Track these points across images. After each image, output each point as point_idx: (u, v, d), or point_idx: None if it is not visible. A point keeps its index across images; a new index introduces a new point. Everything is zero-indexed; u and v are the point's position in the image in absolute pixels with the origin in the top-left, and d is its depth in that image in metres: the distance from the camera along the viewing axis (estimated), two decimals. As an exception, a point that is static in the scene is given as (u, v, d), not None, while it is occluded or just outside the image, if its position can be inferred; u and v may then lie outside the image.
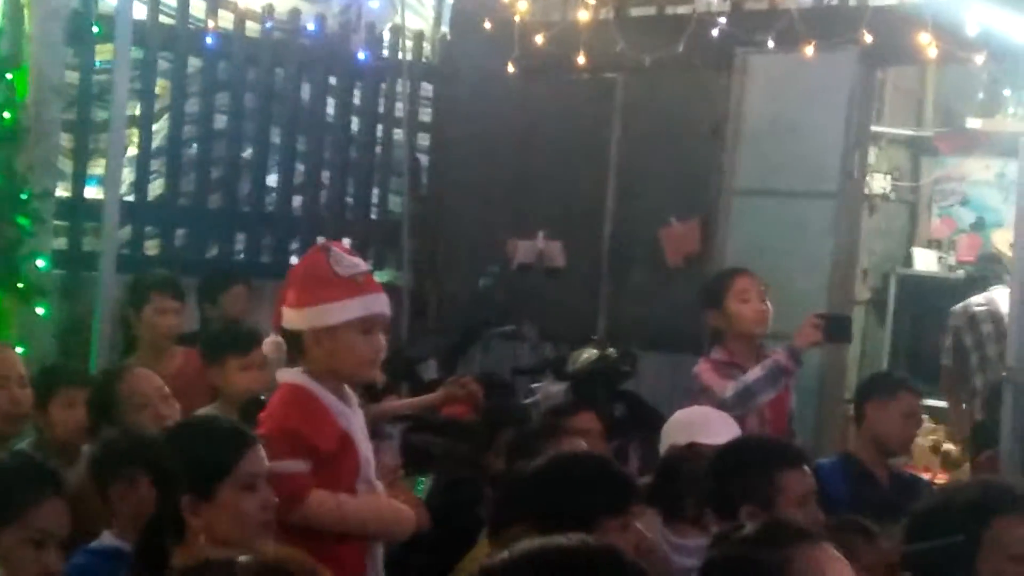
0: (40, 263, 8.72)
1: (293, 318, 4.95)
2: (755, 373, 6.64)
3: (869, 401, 6.78)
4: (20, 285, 8.52)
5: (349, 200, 11.00)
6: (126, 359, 7.27)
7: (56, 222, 8.96)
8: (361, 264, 5.05)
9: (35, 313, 8.61)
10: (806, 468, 4.67)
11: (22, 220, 8.55)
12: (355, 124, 11.00)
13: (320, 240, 7.02)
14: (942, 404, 9.65)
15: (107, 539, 4.53)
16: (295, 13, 10.43)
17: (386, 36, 11.13)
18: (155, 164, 9.81)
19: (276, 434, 4.76)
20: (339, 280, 4.90)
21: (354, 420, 4.97)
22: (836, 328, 7.07)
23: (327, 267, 4.93)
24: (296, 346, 4.95)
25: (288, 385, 4.96)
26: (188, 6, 9.86)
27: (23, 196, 8.56)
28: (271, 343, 5.12)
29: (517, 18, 9.83)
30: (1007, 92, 11.04)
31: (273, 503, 4.16)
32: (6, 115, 8.54)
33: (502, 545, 2.89)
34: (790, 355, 6.65)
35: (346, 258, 4.97)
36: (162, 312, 7.31)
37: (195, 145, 10.10)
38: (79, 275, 8.94)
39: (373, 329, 4.93)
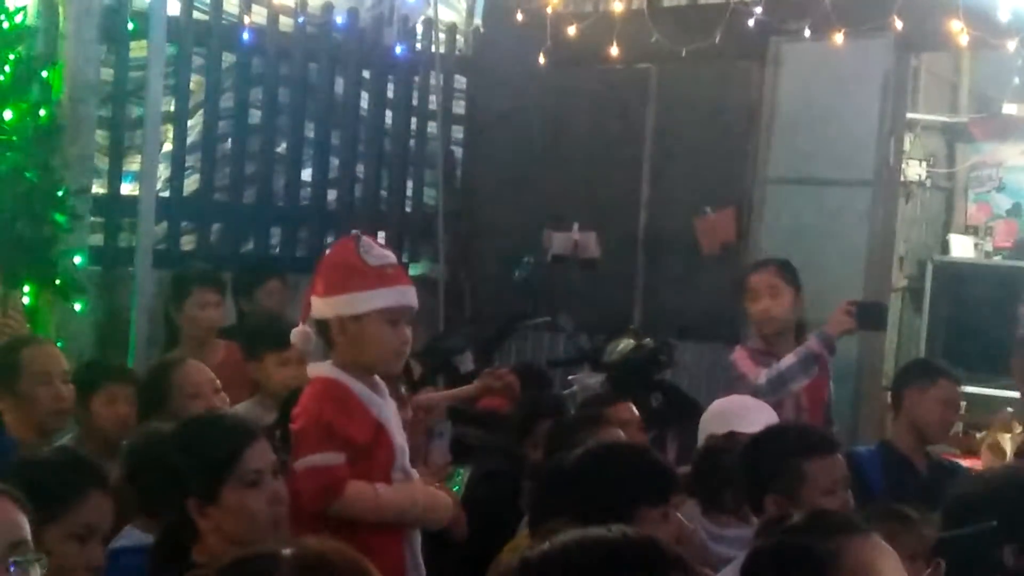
0: (77, 260, 8.74)
1: (321, 307, 4.96)
2: (788, 360, 6.68)
3: (907, 388, 6.79)
4: (57, 282, 8.54)
5: (384, 193, 11.03)
6: (168, 353, 7.27)
7: (92, 219, 8.99)
8: (391, 256, 5.05)
9: (72, 309, 8.63)
10: (837, 456, 4.64)
11: (59, 217, 8.57)
12: (389, 117, 11.02)
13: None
14: (981, 391, 9.56)
15: (139, 536, 4.55)
16: (328, 8, 10.44)
17: (419, 29, 11.14)
18: (190, 160, 9.85)
19: (310, 428, 4.79)
20: (368, 269, 4.90)
21: (387, 409, 4.96)
22: (869, 315, 7.07)
23: (356, 256, 4.92)
24: (325, 335, 4.95)
25: (320, 379, 4.96)
26: (222, 2, 9.88)
27: (59, 193, 8.58)
28: (299, 332, 5.08)
29: (549, 10, 9.86)
30: (1045, 78, 11.03)
31: (283, 496, 4.20)
32: (42, 113, 8.57)
33: (542, 537, 2.85)
34: (822, 342, 6.71)
35: (376, 248, 4.99)
36: (203, 306, 7.34)
37: (230, 140, 10.14)
38: (115, 271, 8.99)
39: (400, 320, 4.93)
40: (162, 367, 6.10)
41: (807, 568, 3.17)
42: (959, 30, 8.47)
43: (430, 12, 10.99)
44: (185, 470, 4.17)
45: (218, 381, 5.84)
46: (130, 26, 9.06)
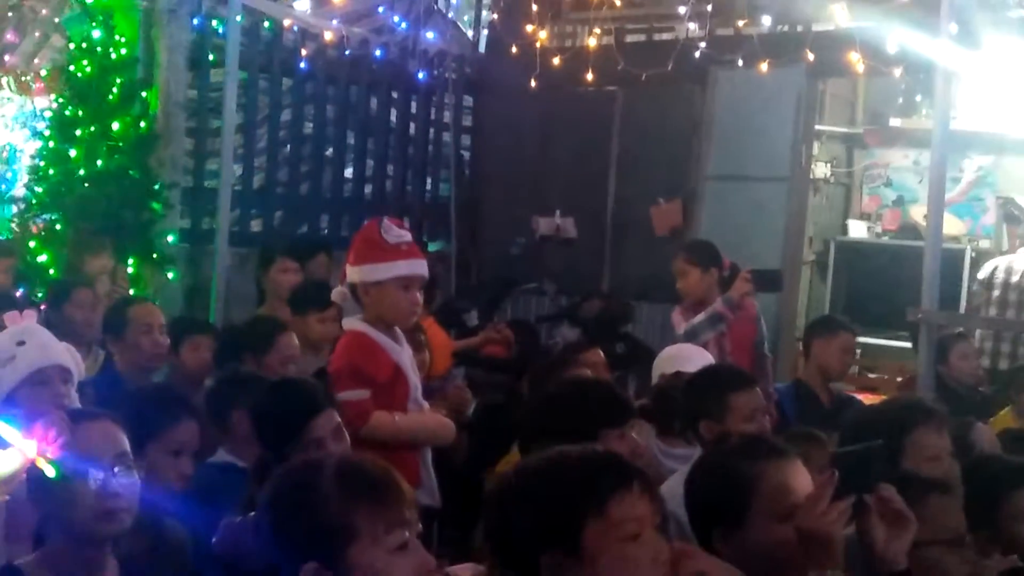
0: (170, 239, 8.74)
1: (351, 273, 4.99)
2: (699, 317, 6.64)
3: (815, 339, 6.82)
4: (155, 256, 8.56)
5: (408, 187, 10.96)
6: (259, 309, 7.32)
7: (181, 207, 8.93)
8: (406, 235, 5.04)
9: (166, 278, 8.64)
10: (755, 390, 4.58)
11: (155, 206, 8.59)
12: (412, 128, 10.95)
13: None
14: (872, 341, 9.59)
15: (222, 455, 4.52)
16: (365, 42, 10.36)
17: (435, 60, 11.02)
18: (257, 161, 9.79)
19: (342, 371, 4.86)
20: (387, 245, 4.93)
21: (404, 355, 5.00)
22: (765, 281, 7.00)
23: (378, 235, 4.95)
24: (355, 296, 5.00)
25: (350, 331, 5.01)
26: (281, 37, 9.81)
27: (156, 187, 8.60)
28: (337, 292, 5.14)
29: (538, 44, 9.83)
30: (919, 97, 11.00)
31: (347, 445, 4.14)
32: (142, 124, 8.57)
33: (529, 453, 2.86)
34: (726, 304, 6.63)
35: (395, 229, 4.99)
36: (283, 271, 7.30)
37: (288, 146, 10.05)
38: (199, 248, 8.94)
39: (411, 287, 4.95)
40: (270, 323, 6.06)
41: (736, 482, 3.17)
42: (856, 60, 8.48)
43: (444, 46, 10.96)
44: (265, 431, 4.17)
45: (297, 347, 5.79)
46: (211, 57, 9.02)
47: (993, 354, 9.27)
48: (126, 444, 3.20)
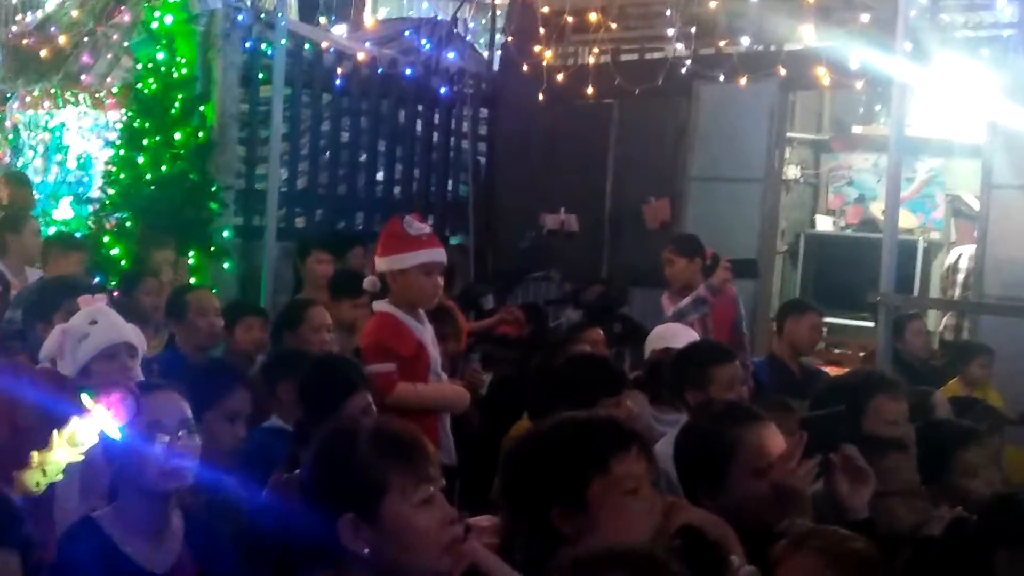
0: (225, 234, 8.80)
1: (380, 263, 5.04)
2: (685, 301, 6.61)
3: (786, 318, 6.84)
4: (212, 249, 8.61)
5: (432, 188, 10.91)
6: (295, 294, 7.31)
7: (235, 206, 8.95)
8: (426, 228, 5.09)
9: (222, 267, 8.70)
10: (734, 362, 4.61)
11: (212, 205, 8.64)
12: (435, 137, 10.90)
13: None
14: (836, 320, 9.57)
15: (272, 421, 4.55)
16: (394, 62, 10.33)
17: (455, 77, 10.99)
18: (301, 166, 9.77)
19: (372, 347, 4.90)
20: (409, 237, 4.96)
21: (426, 333, 5.03)
22: (743, 268, 7.00)
23: (401, 228, 4.99)
24: (384, 282, 5.03)
25: (379, 313, 5.03)
26: (321, 57, 9.78)
27: (213, 189, 8.65)
28: (369, 280, 5.16)
29: (545, 63, 9.78)
30: (878, 107, 10.98)
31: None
32: (200, 135, 8.60)
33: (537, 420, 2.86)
34: (708, 289, 6.60)
35: (415, 223, 5.04)
36: (318, 262, 7.31)
37: (327, 152, 10.03)
38: (251, 242, 8.95)
39: (432, 272, 4.98)
40: (298, 302, 6.09)
41: (718, 443, 3.18)
42: (823, 75, 8.45)
43: (463, 65, 10.93)
44: (308, 403, 4.19)
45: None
46: (260, 75, 9.03)
47: (951, 328, 9.36)
48: (188, 411, 3.20)
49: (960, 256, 9.61)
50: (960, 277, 9.48)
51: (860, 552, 2.42)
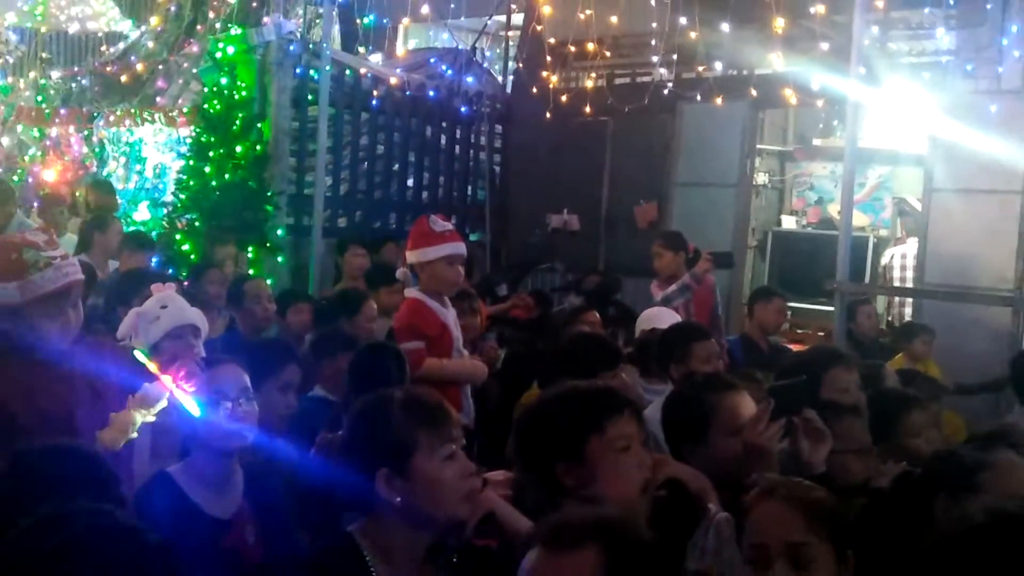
0: (279, 232, 8.77)
1: (410, 256, 5.06)
2: (672, 288, 6.63)
3: (756, 303, 6.83)
4: (267, 245, 8.59)
5: (454, 193, 10.89)
6: (336, 284, 7.36)
7: (287, 208, 8.94)
8: (449, 225, 5.08)
9: (276, 261, 8.66)
10: (711, 340, 4.58)
11: (268, 208, 8.63)
12: (457, 150, 10.88)
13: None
14: (798, 305, 9.55)
15: (318, 391, 4.54)
16: (421, 85, 10.33)
17: (474, 99, 10.99)
18: (343, 174, 9.75)
19: (404, 328, 4.91)
20: (434, 233, 4.97)
21: (449, 316, 5.04)
22: (721, 260, 7.03)
23: (427, 226, 5.01)
24: (413, 273, 5.11)
25: (410, 299, 5.05)
26: (360, 82, 9.75)
27: (268, 194, 8.63)
28: (401, 272, 5.19)
29: (551, 86, 9.78)
30: (835, 123, 10.93)
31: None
32: (257, 148, 8.59)
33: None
34: (692, 277, 6.63)
35: (439, 221, 5.06)
36: (354, 256, 7.36)
37: (365, 163, 10.02)
38: (301, 239, 8.93)
39: (454, 263, 4.99)
40: (357, 295, 6.02)
41: (698, 408, 3.18)
42: (788, 95, 8.43)
43: (480, 88, 10.92)
44: (356, 381, 4.18)
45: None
46: (308, 97, 9.00)
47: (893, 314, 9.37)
48: (247, 382, 3.21)
49: (892, 256, 9.63)
50: (895, 274, 9.49)
51: (820, 500, 2.41)
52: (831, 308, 7.01)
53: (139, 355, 3.08)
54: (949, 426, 5.00)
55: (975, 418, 5.61)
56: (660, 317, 5.62)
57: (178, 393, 2.85)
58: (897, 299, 9.32)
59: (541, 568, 1.85)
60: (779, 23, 6.66)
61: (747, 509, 2.42)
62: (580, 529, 1.90)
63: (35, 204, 9.34)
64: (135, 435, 2.99)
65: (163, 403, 2.94)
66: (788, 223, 11.54)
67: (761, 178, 11.14)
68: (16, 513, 2.02)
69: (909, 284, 9.08)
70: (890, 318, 9.39)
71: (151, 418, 2.89)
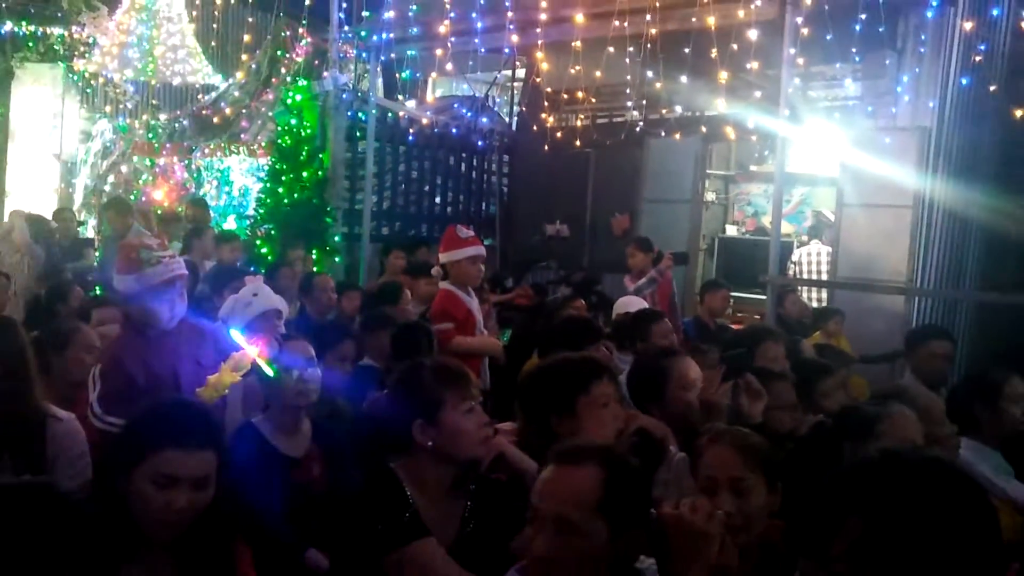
0: (336, 238, 8.74)
1: (441, 257, 5.03)
2: (641, 281, 6.57)
3: (706, 292, 6.78)
4: (328, 248, 8.59)
5: (472, 208, 10.87)
6: (380, 278, 7.29)
7: (342, 220, 8.92)
8: (471, 232, 5.06)
9: (334, 260, 8.64)
10: (665, 320, 4.55)
11: (328, 220, 8.64)
12: (474, 174, 10.86)
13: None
14: (739, 294, 9.53)
15: (367, 360, 4.53)
16: (446, 124, 10.33)
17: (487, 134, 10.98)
18: (385, 194, 9.73)
19: (437, 313, 4.88)
20: (460, 239, 4.96)
21: (472, 303, 5.00)
22: (679, 258, 7.10)
23: (455, 233, 4.99)
24: (445, 270, 5.00)
25: (443, 290, 5.00)
26: (398, 121, 9.74)
27: (328, 209, 8.63)
28: (435, 269, 5.13)
29: (547, 124, 9.76)
30: (767, 153, 10.88)
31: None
32: (320, 173, 8.59)
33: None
34: (657, 271, 6.58)
35: (464, 229, 5.05)
36: (396, 258, 7.29)
37: (403, 185, 10.01)
38: (353, 243, 8.93)
39: (476, 262, 4.98)
40: (397, 287, 5.91)
41: (654, 372, 3.18)
42: (731, 131, 8.43)
43: (492, 126, 10.91)
44: (398, 351, 4.17)
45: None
46: (358, 134, 8.99)
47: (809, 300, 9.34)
48: (313, 353, 3.22)
49: (800, 254, 9.54)
50: (804, 268, 9.37)
51: (758, 444, 2.42)
52: (764, 297, 7.02)
53: (232, 331, 3.09)
54: (855, 388, 4.99)
55: (875, 381, 5.60)
56: (630, 304, 5.60)
57: (260, 361, 2.86)
58: (814, 289, 9.28)
59: (554, 477, 1.85)
60: (723, 76, 6.65)
61: (700, 451, 2.43)
62: (587, 451, 1.90)
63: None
64: (227, 393, 3.00)
65: (248, 368, 2.95)
66: (731, 231, 11.47)
67: (710, 196, 11.07)
68: (148, 452, 2.03)
69: (816, 276, 9.04)
70: (812, 304, 9.34)
71: (239, 379, 2.90)
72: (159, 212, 9.20)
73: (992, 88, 6.44)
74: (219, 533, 2.10)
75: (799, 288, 8.32)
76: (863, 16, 6.49)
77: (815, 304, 8.78)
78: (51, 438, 2.65)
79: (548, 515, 1.80)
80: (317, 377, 3.16)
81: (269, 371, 2.92)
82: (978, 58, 6.60)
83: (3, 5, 11.19)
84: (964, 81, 6.78)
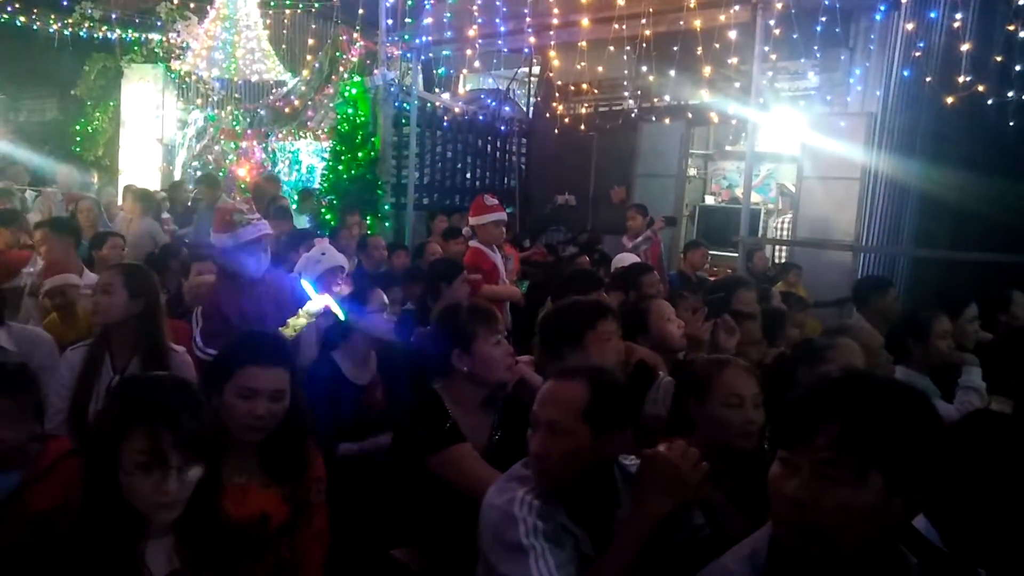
0: (386, 207, 8.70)
1: (472, 220, 4.99)
2: (638, 240, 6.54)
3: (688, 250, 6.71)
4: (379, 215, 8.55)
5: (496, 182, 10.73)
6: (426, 239, 7.16)
7: (391, 192, 8.85)
8: (496, 201, 5.00)
9: (385, 225, 8.60)
10: (653, 273, 4.48)
11: (379, 191, 8.60)
12: (497, 155, 10.71)
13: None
14: (716, 252, 9.46)
15: (410, 305, 4.52)
16: (475, 112, 10.20)
17: (509, 120, 10.84)
18: (426, 170, 9.63)
19: (470, 266, 4.79)
20: (487, 206, 4.90)
21: (497, 258, 4.96)
22: (669, 221, 7.07)
23: (483, 201, 4.93)
24: (474, 231, 4.95)
25: (473, 248, 4.97)
26: (436, 110, 9.63)
27: (379, 183, 8.58)
28: (465, 230, 5.11)
29: (558, 112, 9.64)
30: (742, 135, 10.68)
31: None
32: (372, 154, 8.53)
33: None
34: (651, 231, 6.53)
35: (489, 198, 4.98)
36: (440, 221, 7.22)
37: (440, 163, 9.87)
38: (400, 211, 8.89)
39: (499, 226, 4.92)
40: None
41: (640, 313, 3.17)
42: (712, 117, 8.30)
43: (513, 114, 10.75)
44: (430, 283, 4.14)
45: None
46: (403, 121, 8.91)
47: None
48: (386, 300, 3.24)
49: (779, 223, 9.49)
50: (778, 233, 9.32)
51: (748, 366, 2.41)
52: (736, 254, 6.97)
53: (305, 283, 3.12)
54: (810, 328, 4.99)
55: (826, 322, 5.58)
56: (625, 259, 5.57)
57: (332, 306, 2.89)
58: (777, 247, 9.22)
59: (549, 389, 1.86)
60: (707, 70, 6.54)
61: (708, 376, 2.36)
62: (577, 370, 1.91)
63: (232, 192, 9.42)
64: (303, 331, 3.03)
65: (319, 312, 2.98)
66: (709, 200, 11.33)
67: (692, 171, 10.93)
68: (234, 369, 2.08)
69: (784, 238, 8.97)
70: (775, 260, 9.29)
71: (312, 320, 2.93)
72: (242, 186, 9.23)
73: (928, 79, 6.30)
74: (294, 437, 2.14)
75: (765, 246, 8.25)
76: (823, 19, 6.34)
77: (781, 260, 8.73)
78: (173, 365, 2.72)
79: (543, 419, 1.81)
80: (383, 320, 3.17)
81: (340, 315, 2.94)
82: (917, 54, 6.46)
83: (113, 17, 11.21)
84: (905, 73, 6.65)
